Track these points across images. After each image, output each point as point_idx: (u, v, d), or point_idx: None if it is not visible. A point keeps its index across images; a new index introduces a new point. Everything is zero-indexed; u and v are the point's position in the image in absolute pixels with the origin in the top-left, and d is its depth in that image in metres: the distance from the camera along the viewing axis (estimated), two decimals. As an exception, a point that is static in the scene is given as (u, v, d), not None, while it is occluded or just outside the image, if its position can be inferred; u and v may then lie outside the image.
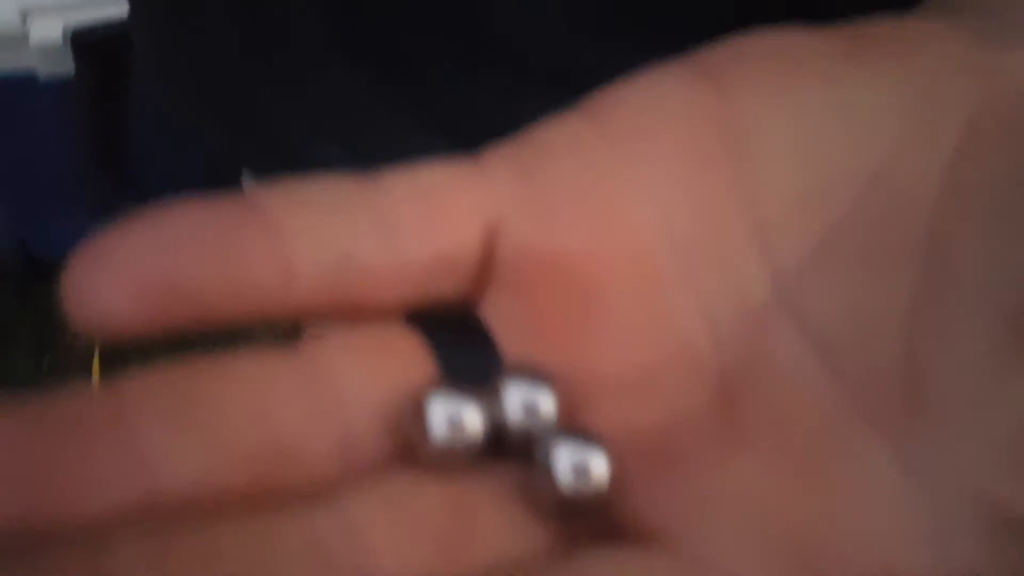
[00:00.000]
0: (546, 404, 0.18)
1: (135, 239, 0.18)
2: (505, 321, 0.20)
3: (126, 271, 0.17)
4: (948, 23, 0.20)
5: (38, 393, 0.18)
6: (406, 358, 0.19)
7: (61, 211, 1.44)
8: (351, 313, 0.19)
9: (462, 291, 0.20)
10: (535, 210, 0.19)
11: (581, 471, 0.17)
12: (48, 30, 1.26)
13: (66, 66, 1.28)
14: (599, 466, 0.17)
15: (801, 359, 0.19)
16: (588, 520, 0.18)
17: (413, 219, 0.19)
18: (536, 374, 0.18)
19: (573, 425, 0.18)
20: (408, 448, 0.18)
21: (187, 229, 0.18)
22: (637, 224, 0.19)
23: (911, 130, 0.19)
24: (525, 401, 0.18)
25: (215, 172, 0.63)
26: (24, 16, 1.25)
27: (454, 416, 0.17)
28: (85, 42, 1.23)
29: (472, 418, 0.18)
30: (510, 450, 0.19)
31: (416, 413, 0.18)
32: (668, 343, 0.19)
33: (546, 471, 0.18)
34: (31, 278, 1.49)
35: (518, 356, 0.19)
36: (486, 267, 0.20)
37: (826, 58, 0.20)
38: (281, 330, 0.25)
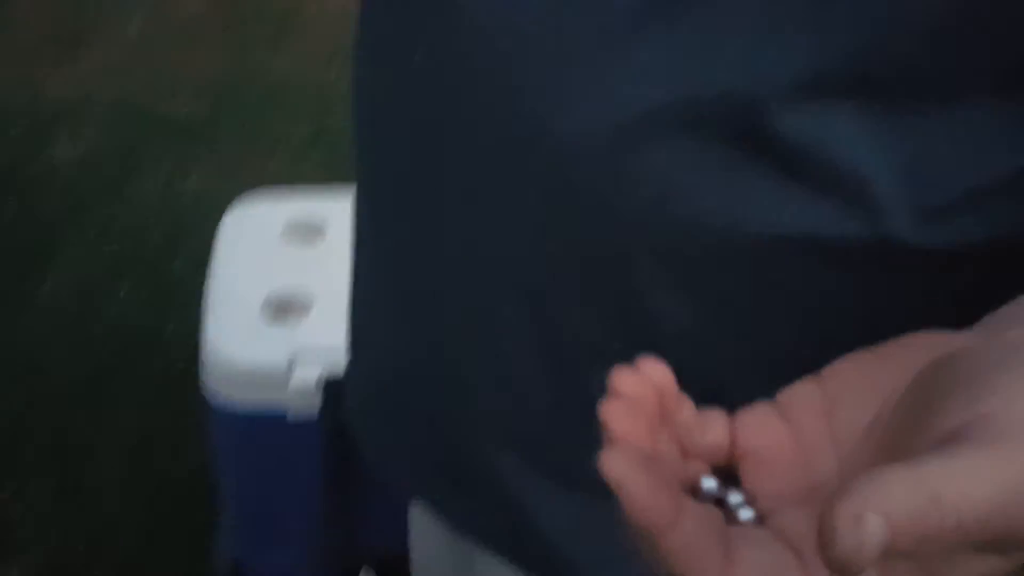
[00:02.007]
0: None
1: None
2: None
3: None
4: None
5: None
6: None
7: (279, 539, 1.53)
8: None
9: None
10: None
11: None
12: (307, 375, 1.41)
13: (314, 409, 1.42)
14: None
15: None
16: None
17: None
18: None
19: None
20: None
21: None
22: None
23: None
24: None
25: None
26: (291, 362, 1.41)
27: None
28: (335, 391, 1.36)
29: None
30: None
31: None
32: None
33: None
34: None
35: None
36: None
37: None
38: None
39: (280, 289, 1.48)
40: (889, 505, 0.26)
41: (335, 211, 1.62)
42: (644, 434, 0.31)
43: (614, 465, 0.29)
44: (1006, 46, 0.43)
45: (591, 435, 0.32)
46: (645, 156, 0.48)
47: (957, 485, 0.27)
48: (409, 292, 0.62)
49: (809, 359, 0.36)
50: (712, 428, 0.34)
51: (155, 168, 2.62)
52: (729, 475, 0.34)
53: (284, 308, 1.47)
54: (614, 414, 0.31)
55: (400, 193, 0.61)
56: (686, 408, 0.34)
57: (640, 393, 0.32)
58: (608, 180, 0.49)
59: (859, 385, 0.34)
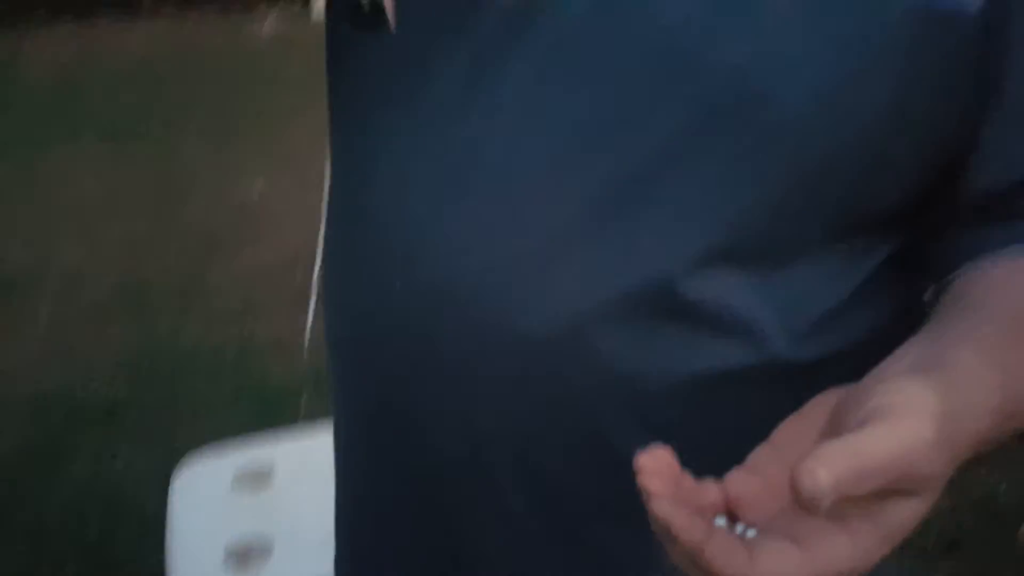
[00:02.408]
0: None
1: None
2: None
3: None
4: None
5: None
6: None
7: None
8: None
9: None
10: None
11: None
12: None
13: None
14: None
15: None
16: None
17: None
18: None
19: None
20: None
21: None
22: None
23: None
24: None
25: None
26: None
27: None
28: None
29: None
30: None
31: None
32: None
33: None
34: None
35: None
36: None
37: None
38: None
39: (239, 539, 1.51)
40: (830, 461, 0.41)
41: (278, 455, 1.68)
42: (671, 491, 0.44)
43: (661, 507, 0.43)
44: (832, 213, 0.61)
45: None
46: (594, 337, 0.61)
47: (867, 444, 0.43)
48: (403, 484, 0.71)
49: (737, 455, 0.50)
50: (709, 491, 0.47)
51: (82, 454, 2.63)
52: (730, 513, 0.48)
53: (245, 556, 1.50)
54: (648, 479, 0.44)
55: (387, 388, 0.69)
56: (687, 480, 0.46)
57: (660, 467, 0.44)
58: (569, 358, 0.62)
59: (797, 431, 0.50)
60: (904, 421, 0.44)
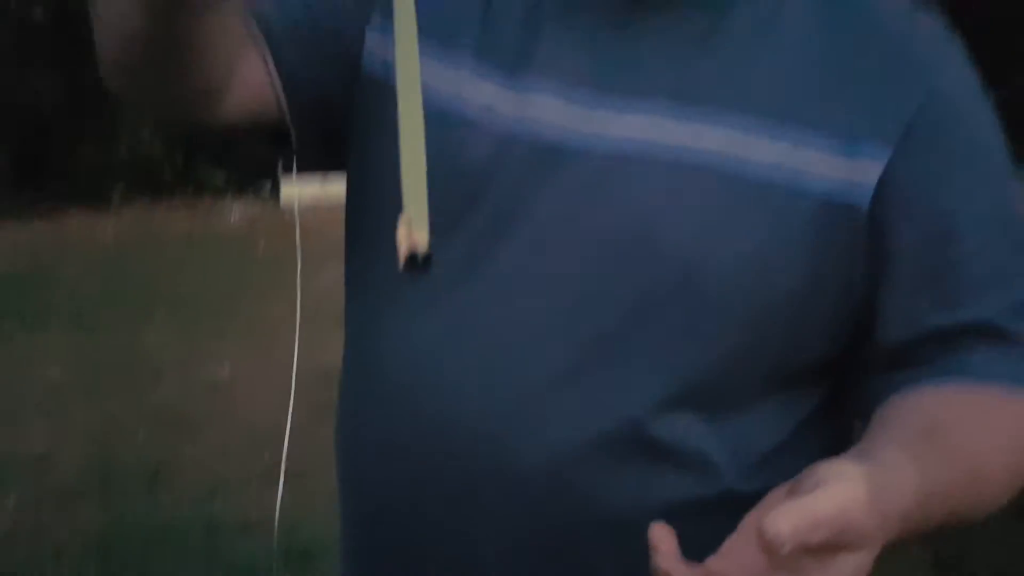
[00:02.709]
0: None
1: None
2: None
3: None
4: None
5: None
6: None
7: None
8: None
9: None
10: None
11: None
12: None
13: None
14: None
15: None
16: None
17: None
18: None
19: None
20: None
21: None
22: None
23: None
24: None
25: None
26: None
27: None
28: None
29: None
30: None
31: None
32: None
33: None
34: None
35: None
36: None
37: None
38: None
39: None
40: (788, 515, 0.54)
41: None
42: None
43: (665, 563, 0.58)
44: (767, 365, 0.74)
45: None
46: (574, 471, 0.72)
47: (815, 503, 0.55)
48: None
49: None
50: (695, 571, 0.59)
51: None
52: None
53: None
54: (658, 545, 0.59)
55: (393, 515, 0.78)
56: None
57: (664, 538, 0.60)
58: (552, 487, 0.73)
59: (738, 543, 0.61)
60: (841, 485, 0.57)
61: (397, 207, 0.69)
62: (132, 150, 9.77)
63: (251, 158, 10.13)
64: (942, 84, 0.74)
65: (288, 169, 0.81)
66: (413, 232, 0.45)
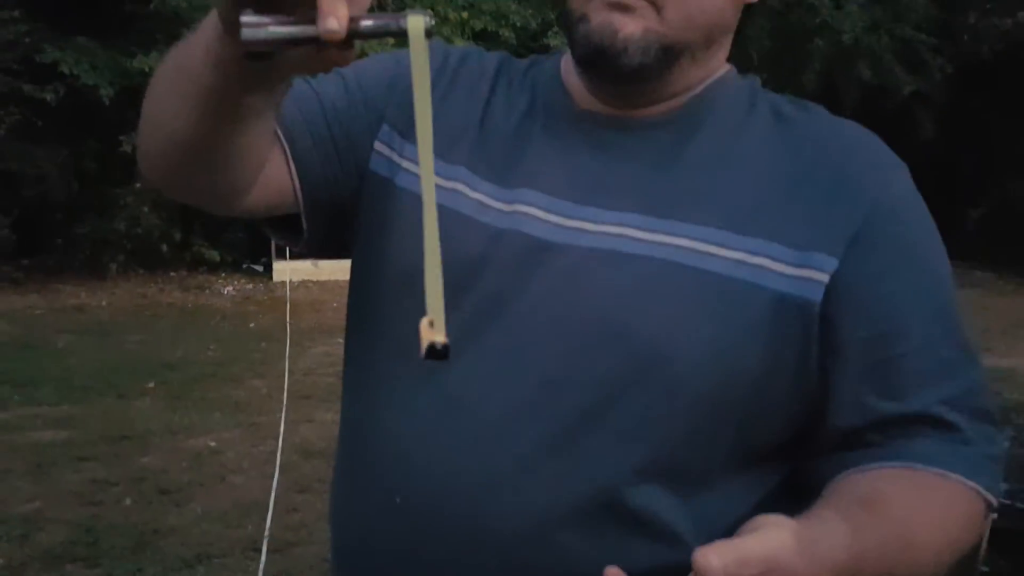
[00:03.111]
0: None
1: None
2: None
3: None
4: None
5: None
6: None
7: None
8: None
9: None
10: None
11: None
12: None
13: None
14: None
15: None
16: None
17: None
18: None
19: None
20: None
21: None
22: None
23: None
24: None
25: None
26: None
27: None
28: None
29: None
30: None
31: None
32: None
33: None
34: None
35: None
36: None
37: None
38: None
39: None
40: (720, 551, 0.64)
41: None
42: None
43: None
44: (729, 444, 0.80)
45: None
46: (554, 536, 0.78)
47: (746, 543, 0.65)
48: None
49: None
50: None
51: None
52: None
53: None
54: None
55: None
56: None
57: None
58: (534, 552, 0.79)
59: None
60: (773, 531, 0.67)
61: (399, 291, 0.81)
62: (130, 225, 9.90)
63: (246, 237, 10.28)
64: (884, 197, 0.82)
65: (281, 251, 0.92)
66: (433, 331, 0.54)
